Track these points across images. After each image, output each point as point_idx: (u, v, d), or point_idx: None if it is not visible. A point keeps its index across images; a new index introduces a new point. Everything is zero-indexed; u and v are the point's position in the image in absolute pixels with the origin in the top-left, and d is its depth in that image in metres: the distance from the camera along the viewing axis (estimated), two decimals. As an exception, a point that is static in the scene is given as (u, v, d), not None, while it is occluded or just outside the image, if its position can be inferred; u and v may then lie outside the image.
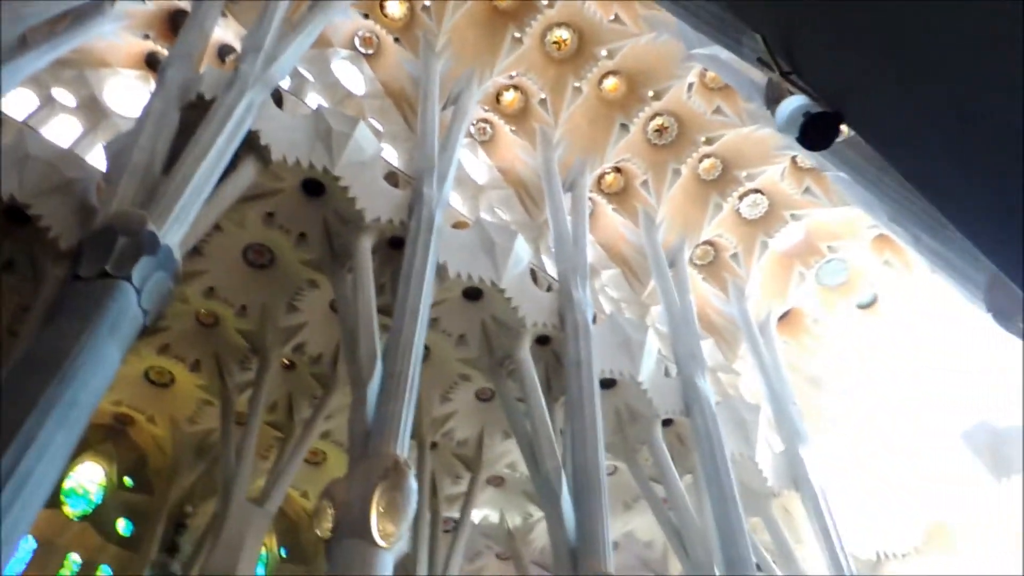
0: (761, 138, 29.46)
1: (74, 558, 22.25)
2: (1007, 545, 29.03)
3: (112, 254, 11.06)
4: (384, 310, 17.43)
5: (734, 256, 32.36)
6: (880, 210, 15.46)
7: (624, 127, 30.40)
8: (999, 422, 28.73)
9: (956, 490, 29.32)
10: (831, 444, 30.39)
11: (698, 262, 32.57)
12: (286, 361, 22.83)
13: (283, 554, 27.84)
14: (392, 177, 20.59)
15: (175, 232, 12.52)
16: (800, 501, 25.27)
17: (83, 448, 22.63)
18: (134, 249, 11.27)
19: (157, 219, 12.17)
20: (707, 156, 31.29)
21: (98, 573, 22.51)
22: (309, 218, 19.69)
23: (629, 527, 29.99)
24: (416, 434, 25.27)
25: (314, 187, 19.01)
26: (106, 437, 24.45)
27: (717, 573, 19.62)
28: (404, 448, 13.31)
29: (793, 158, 30.01)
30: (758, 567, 20.23)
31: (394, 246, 19.32)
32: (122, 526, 23.75)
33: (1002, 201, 3.54)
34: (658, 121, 30.82)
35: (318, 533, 12.25)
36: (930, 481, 29.72)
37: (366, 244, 18.46)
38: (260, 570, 26.57)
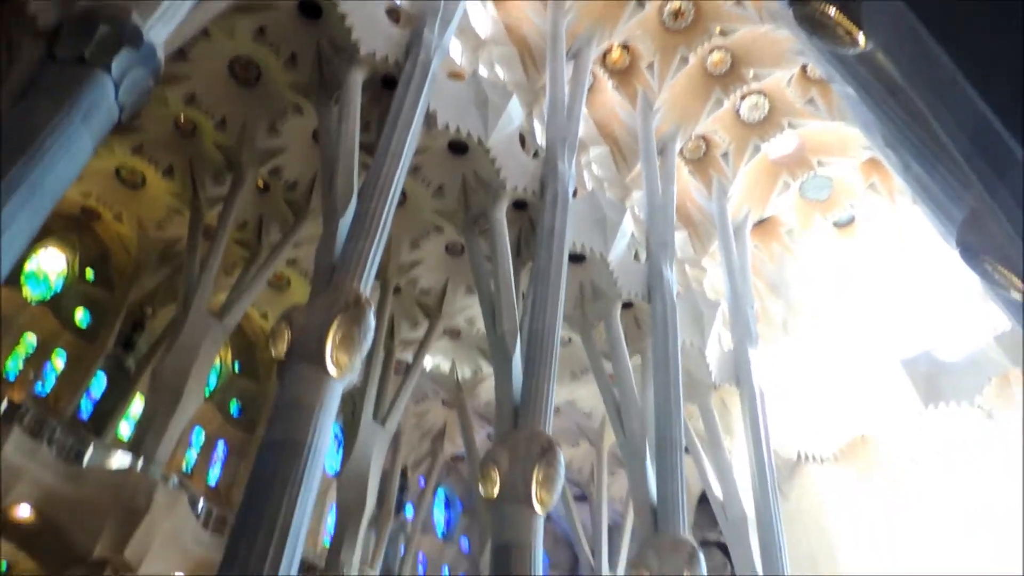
0: (777, 39, 28.54)
1: (30, 339, 22.65)
2: (922, 467, 30.94)
3: (92, 41, 10.60)
4: (366, 148, 17.15)
5: (724, 155, 32.06)
6: (877, 132, 15.29)
7: (640, 3, 29.16)
8: (942, 355, 29.89)
9: (884, 410, 30.81)
10: (778, 348, 31.45)
11: (687, 155, 32.24)
12: (261, 183, 22.61)
13: (236, 369, 28.62)
14: (394, 13, 19.74)
15: (160, 29, 11.96)
16: (738, 397, 26.38)
17: (46, 234, 22.55)
18: (115, 39, 10.80)
19: (143, 12, 11.57)
20: (718, 48, 30.30)
21: (53, 356, 22.99)
22: (302, 40, 18.96)
23: (573, 396, 31.19)
24: (381, 275, 25.49)
25: (311, 9, 18.19)
26: (71, 227, 24.33)
27: (647, 449, 20.68)
28: (367, 286, 13.50)
29: (804, 67, 29.24)
30: (686, 450, 21.32)
31: (386, 85, 18.75)
32: (80, 316, 24.08)
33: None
34: (676, 3, 29.60)
35: (273, 354, 12.57)
36: (862, 397, 31.12)
37: (357, 78, 17.90)
38: (212, 379, 27.38)
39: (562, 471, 15.10)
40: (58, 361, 23.01)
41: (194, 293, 20.45)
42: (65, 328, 23.37)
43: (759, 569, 22.09)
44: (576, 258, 22.48)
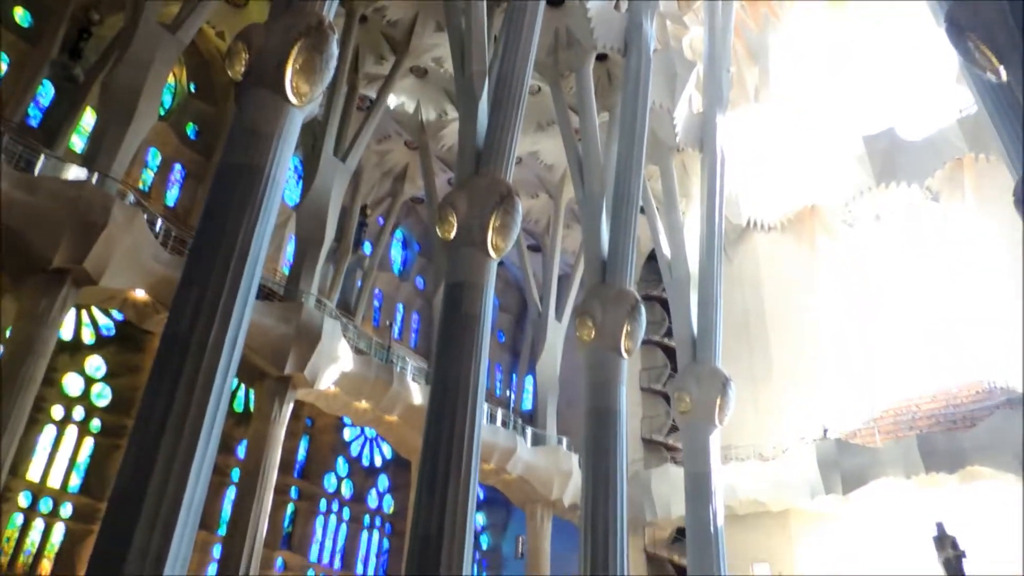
0: None
1: (-34, 39, 21.16)
2: (860, 238, 32.40)
3: None
4: None
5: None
6: None
7: None
8: (904, 133, 30.08)
9: (837, 183, 31.53)
10: (745, 116, 31.21)
11: None
12: None
13: (192, 89, 27.51)
14: None
15: None
16: (699, 161, 26.55)
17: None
18: None
19: None
20: None
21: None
22: None
23: (536, 147, 31.10)
24: (346, 1, 24.01)
25: None
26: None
27: (604, 205, 21.09)
28: (331, 10, 12.67)
29: None
30: (642, 209, 21.80)
31: None
32: (20, 15, 22.39)
33: None
34: None
35: (230, 74, 11.97)
36: (818, 170, 31.65)
37: None
38: (167, 99, 26.40)
39: (519, 219, 15.39)
40: (0, 64, 21.75)
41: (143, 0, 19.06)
42: (6, 28, 21.78)
43: (695, 323, 23.63)
44: (554, 1, 21.26)
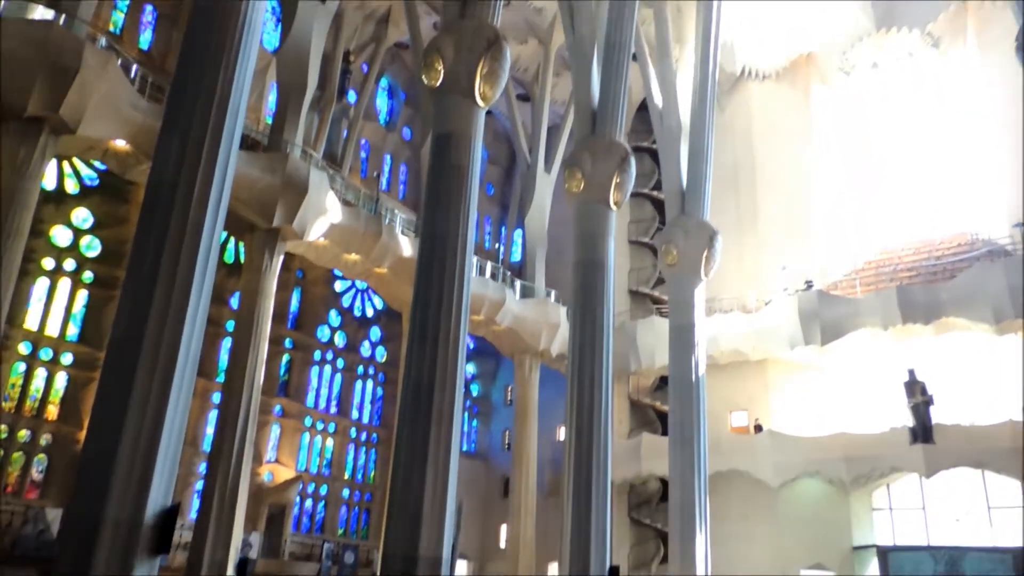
0: None
1: None
2: (856, 86, 31.70)
3: None
4: None
5: None
6: None
7: None
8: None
9: (836, 28, 30.48)
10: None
11: None
12: None
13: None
14: None
15: None
16: (694, 5, 25.38)
17: None
18: None
19: None
20: None
21: None
22: None
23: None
24: None
25: None
26: None
27: (596, 52, 20.38)
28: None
29: None
30: (634, 56, 21.09)
31: None
32: None
33: None
34: None
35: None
36: (818, 16, 30.47)
37: None
38: None
39: (507, 66, 14.89)
40: None
41: None
42: None
43: (684, 175, 23.47)
44: None
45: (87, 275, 22.60)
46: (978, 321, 23.84)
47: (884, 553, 24.13)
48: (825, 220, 30.32)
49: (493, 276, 28.40)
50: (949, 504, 23.80)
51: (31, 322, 21.40)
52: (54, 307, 21.99)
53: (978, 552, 22.56)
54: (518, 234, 35.82)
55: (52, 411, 21.65)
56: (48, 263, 21.88)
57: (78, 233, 22.73)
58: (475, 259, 19.73)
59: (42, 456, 21.22)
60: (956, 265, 26.14)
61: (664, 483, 25.83)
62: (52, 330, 21.83)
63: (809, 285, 27.73)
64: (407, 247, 24.78)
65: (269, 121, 24.99)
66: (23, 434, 20.92)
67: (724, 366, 28.29)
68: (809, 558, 25.06)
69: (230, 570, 18.69)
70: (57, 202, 22.23)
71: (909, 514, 24.59)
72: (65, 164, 22.52)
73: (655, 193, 32.59)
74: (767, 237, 30.50)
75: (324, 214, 22.18)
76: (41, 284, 21.75)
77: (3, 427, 20.35)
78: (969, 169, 28.21)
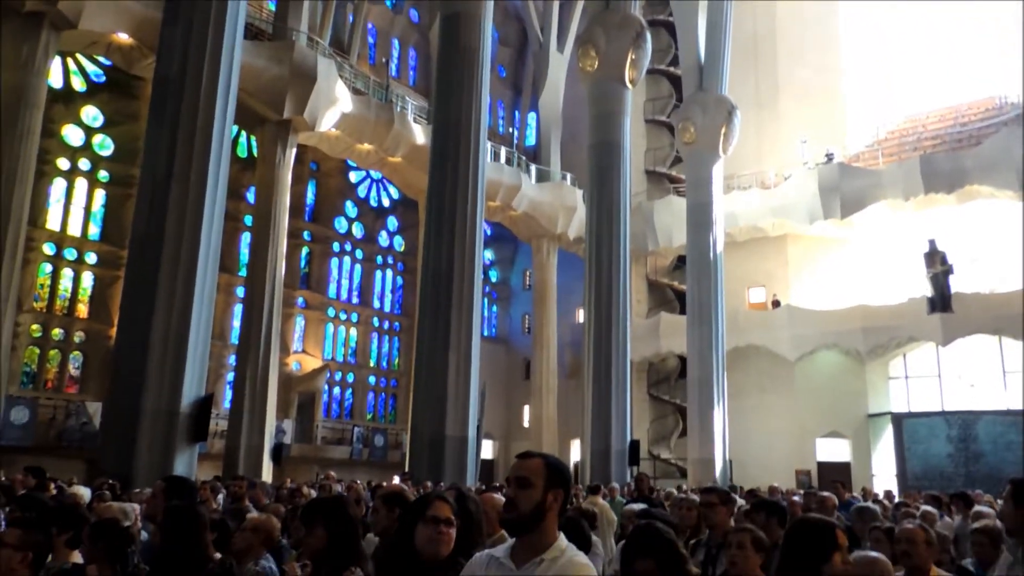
0: None
1: None
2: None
3: None
4: None
5: None
6: None
7: None
8: None
9: None
10: None
11: None
12: None
13: None
14: None
15: None
16: None
17: None
18: None
19: None
20: None
21: None
22: None
23: None
24: None
25: None
26: None
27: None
28: None
29: None
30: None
31: None
32: None
33: None
34: None
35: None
36: None
37: None
38: None
39: (515, -62, 14.27)
40: None
41: None
42: None
43: (702, 49, 22.71)
44: None
45: (102, 174, 22.61)
46: (1003, 188, 23.44)
47: (899, 419, 24.75)
48: (849, 89, 29.38)
49: (508, 161, 28.10)
50: (964, 371, 24.15)
51: (52, 223, 21.62)
52: (73, 207, 22.14)
53: (991, 415, 23.07)
54: (532, 117, 35.13)
55: (82, 309, 22.17)
56: (63, 163, 21.87)
57: (89, 132, 22.59)
58: (489, 144, 19.46)
59: (77, 353, 21.90)
60: (982, 131, 25.46)
61: (683, 360, 26.33)
62: (74, 230, 22.07)
63: (830, 158, 27.21)
64: (420, 135, 24.44)
65: (272, 8, 24.23)
66: (57, 332, 21.53)
67: (742, 243, 28.22)
68: (825, 426, 25.77)
69: (266, 454, 19.59)
70: (66, 101, 21.99)
71: (924, 382, 25.04)
72: (70, 62, 22.14)
73: (672, 69, 31.57)
74: (787, 110, 29.70)
75: (334, 104, 21.83)
76: (59, 185, 21.82)
77: (36, 326, 20.95)
78: (997, 30, 26.98)
